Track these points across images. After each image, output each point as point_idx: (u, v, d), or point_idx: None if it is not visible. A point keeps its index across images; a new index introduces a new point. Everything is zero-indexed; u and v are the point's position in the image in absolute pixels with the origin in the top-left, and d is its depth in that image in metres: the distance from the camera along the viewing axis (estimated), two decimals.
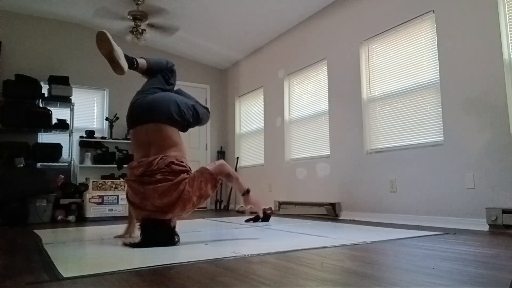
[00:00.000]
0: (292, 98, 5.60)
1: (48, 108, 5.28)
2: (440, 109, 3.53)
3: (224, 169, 2.52)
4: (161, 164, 2.33)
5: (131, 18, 5.07)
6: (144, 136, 2.47)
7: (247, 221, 4.03)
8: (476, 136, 3.24)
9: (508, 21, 3.13)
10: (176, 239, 2.38)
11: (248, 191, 2.62)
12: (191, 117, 2.61)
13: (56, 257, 2.03)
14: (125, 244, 2.37)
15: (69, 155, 5.47)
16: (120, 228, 3.70)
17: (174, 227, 2.42)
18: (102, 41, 2.36)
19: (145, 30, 5.13)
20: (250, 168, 6.47)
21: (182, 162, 2.42)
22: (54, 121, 5.28)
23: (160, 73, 2.70)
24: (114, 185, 5.01)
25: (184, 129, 2.63)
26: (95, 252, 2.24)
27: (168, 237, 2.34)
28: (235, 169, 6.77)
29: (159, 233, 2.32)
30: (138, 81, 2.90)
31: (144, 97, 2.54)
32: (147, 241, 2.29)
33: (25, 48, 5.62)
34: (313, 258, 1.92)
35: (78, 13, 5.62)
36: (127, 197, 2.50)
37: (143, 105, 2.50)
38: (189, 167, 2.48)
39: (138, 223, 2.44)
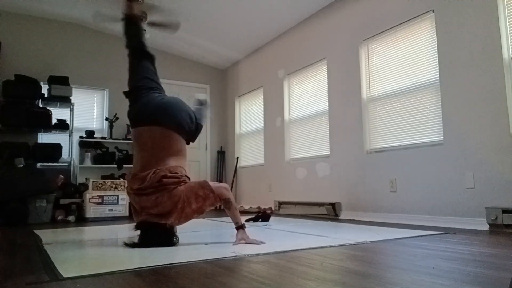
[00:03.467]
0: (292, 98, 5.59)
1: (48, 108, 5.28)
2: (440, 109, 3.53)
3: (226, 193, 2.42)
4: (153, 180, 2.31)
5: None
6: (148, 139, 2.42)
7: (247, 221, 4.04)
8: (476, 136, 3.24)
9: (508, 21, 3.13)
10: (175, 239, 2.38)
11: (243, 226, 2.48)
12: (195, 130, 2.63)
13: (56, 257, 2.03)
14: (126, 244, 2.37)
15: (69, 155, 5.47)
16: (120, 228, 3.70)
17: (172, 228, 2.41)
18: None
19: (145, 30, 5.12)
20: (250, 168, 6.47)
21: (177, 172, 2.37)
22: (54, 121, 5.28)
23: (148, 60, 2.64)
24: (114, 185, 5.01)
25: (188, 141, 2.61)
26: (95, 252, 2.24)
27: (166, 238, 2.34)
28: (235, 169, 6.77)
29: (157, 234, 2.32)
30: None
31: (154, 98, 2.47)
32: (145, 242, 2.30)
33: (25, 48, 5.62)
34: (313, 258, 1.92)
35: (78, 13, 5.62)
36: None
37: (159, 105, 2.42)
38: (186, 176, 2.43)
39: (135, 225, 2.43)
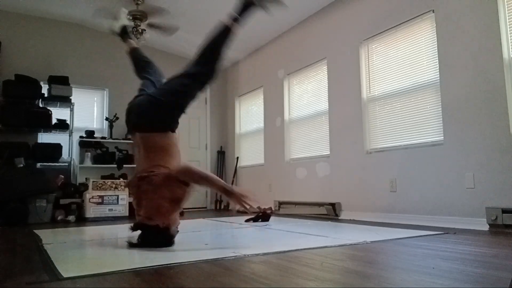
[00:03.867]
0: (292, 98, 5.59)
1: (48, 108, 5.28)
2: (440, 109, 3.53)
3: (190, 173, 2.31)
4: (133, 182, 2.46)
5: (131, 18, 5.07)
6: (136, 144, 2.62)
7: (247, 221, 4.04)
8: (476, 136, 3.24)
9: (508, 21, 3.13)
10: (172, 240, 2.37)
11: (230, 188, 2.33)
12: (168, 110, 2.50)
13: (56, 257, 2.03)
14: (128, 243, 2.36)
15: (69, 155, 5.47)
16: (120, 228, 3.70)
17: (168, 229, 2.38)
18: None
19: (144, 30, 5.13)
20: (250, 168, 6.47)
21: (153, 171, 2.35)
22: (54, 121, 5.28)
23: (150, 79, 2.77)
24: (114, 185, 5.01)
25: (172, 129, 2.55)
26: (95, 252, 2.24)
27: (162, 238, 2.32)
28: (235, 169, 6.77)
29: (152, 234, 2.31)
30: (138, 81, 2.89)
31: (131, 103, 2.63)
32: (143, 242, 2.30)
33: (25, 48, 5.62)
34: (313, 257, 1.92)
35: (78, 13, 5.62)
36: None
37: (127, 114, 2.59)
38: (162, 174, 2.40)
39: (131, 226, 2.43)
